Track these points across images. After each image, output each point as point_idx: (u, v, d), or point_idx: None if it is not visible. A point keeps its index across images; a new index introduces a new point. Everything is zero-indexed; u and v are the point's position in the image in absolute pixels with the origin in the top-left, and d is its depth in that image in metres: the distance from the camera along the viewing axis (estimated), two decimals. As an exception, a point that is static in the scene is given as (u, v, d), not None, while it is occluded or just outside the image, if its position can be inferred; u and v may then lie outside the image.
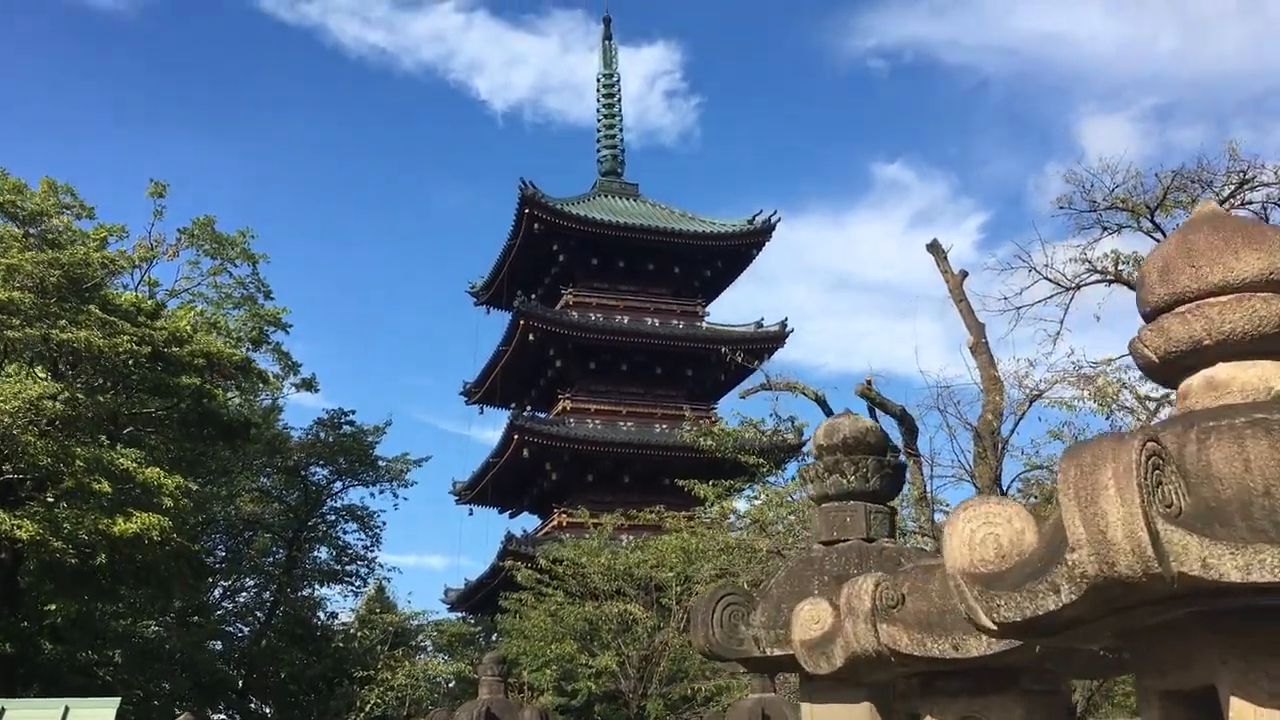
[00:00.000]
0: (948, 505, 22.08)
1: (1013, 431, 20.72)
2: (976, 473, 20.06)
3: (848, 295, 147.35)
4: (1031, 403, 19.72)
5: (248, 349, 26.38)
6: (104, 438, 19.89)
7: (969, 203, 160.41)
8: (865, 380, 21.70)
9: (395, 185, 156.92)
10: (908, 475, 22.06)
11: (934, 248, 22.25)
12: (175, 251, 32.64)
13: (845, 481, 5.77)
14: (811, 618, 4.13)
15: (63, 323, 18.44)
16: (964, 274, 22.11)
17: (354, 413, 40.90)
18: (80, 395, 18.60)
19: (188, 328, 22.06)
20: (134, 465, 18.46)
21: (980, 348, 21.24)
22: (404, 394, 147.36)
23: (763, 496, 24.25)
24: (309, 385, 39.34)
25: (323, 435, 40.30)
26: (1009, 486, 21.46)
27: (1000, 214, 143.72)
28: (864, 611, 3.60)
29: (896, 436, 22.56)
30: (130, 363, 19.55)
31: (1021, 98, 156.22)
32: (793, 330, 52.12)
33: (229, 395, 30.22)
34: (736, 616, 5.48)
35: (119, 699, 13.95)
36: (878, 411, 19.73)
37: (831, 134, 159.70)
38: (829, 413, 24.85)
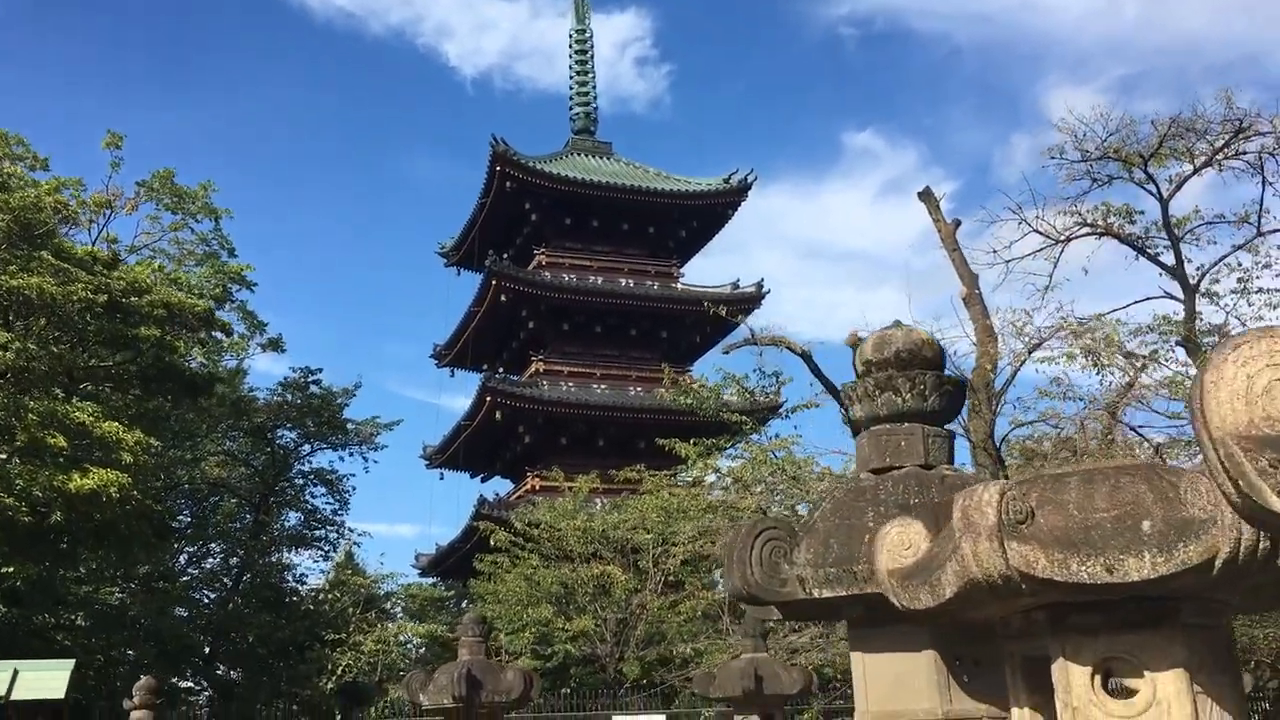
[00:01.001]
0: (940, 461, 21.46)
1: (1008, 384, 20.15)
2: (971, 426, 19.44)
3: (820, 264, 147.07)
4: (1031, 352, 19.13)
5: (212, 306, 25.26)
6: (59, 391, 18.85)
7: (939, 171, 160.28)
8: (852, 332, 21.06)
9: (362, 153, 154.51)
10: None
11: (926, 195, 21.57)
12: (134, 205, 31.40)
13: (899, 400, 5.02)
14: (901, 542, 3.39)
15: (13, 268, 17.37)
16: (957, 223, 21.43)
17: (321, 371, 39.78)
18: (33, 346, 17.56)
19: (148, 279, 21.00)
20: (91, 419, 17.45)
21: (973, 298, 20.57)
22: (373, 363, 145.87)
23: (749, 452, 23.58)
24: (275, 345, 38.21)
25: (290, 396, 39.22)
26: (1001, 443, 20.92)
27: (970, 183, 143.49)
28: (987, 528, 2.85)
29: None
30: (86, 313, 18.51)
31: (994, 67, 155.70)
32: (769, 291, 51.49)
33: (191, 351, 29.17)
34: (778, 554, 4.74)
35: (73, 661, 13.06)
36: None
37: (802, 103, 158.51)
38: (815, 369, 24.16)
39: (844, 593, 4.55)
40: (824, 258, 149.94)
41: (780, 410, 27.35)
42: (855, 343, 20.36)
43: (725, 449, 25.36)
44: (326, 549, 40.87)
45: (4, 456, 17.32)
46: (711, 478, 27.83)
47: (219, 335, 32.27)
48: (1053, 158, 25.12)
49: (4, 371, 17.42)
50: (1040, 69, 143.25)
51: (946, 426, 5.18)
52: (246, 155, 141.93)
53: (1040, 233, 24.28)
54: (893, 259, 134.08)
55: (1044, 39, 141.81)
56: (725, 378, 23.93)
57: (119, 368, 20.40)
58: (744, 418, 23.48)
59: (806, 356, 23.71)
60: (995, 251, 23.64)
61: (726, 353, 24.25)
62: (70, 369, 19.69)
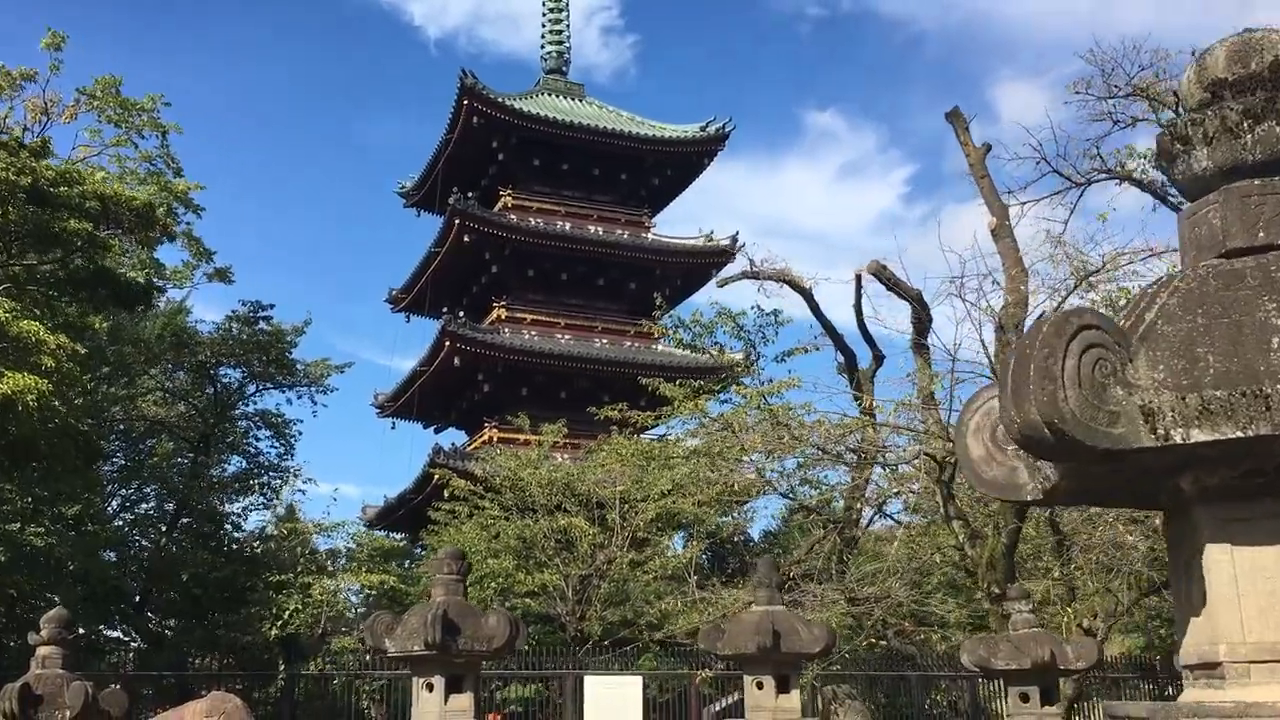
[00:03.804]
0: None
1: (1042, 323, 18.47)
2: (999, 367, 17.79)
3: (775, 242, 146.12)
4: (1077, 286, 17.37)
5: (152, 200, 22.50)
6: (-32, 288, 16.42)
7: (897, 154, 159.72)
8: (873, 261, 19.21)
9: (318, 110, 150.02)
10: (914, 370, 19.64)
11: (954, 115, 19.66)
12: (73, 113, 28.58)
13: (1285, 136, 3.07)
14: None
15: (-84, 139, 14.92)
16: (987, 147, 19.57)
17: (272, 307, 37.11)
18: (-62, 232, 15.16)
19: (80, 172, 18.50)
20: (6, 315, 15.08)
21: (1003, 230, 18.76)
22: (324, 322, 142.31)
23: (741, 396, 21.68)
24: (223, 275, 35.60)
25: (235, 330, 36.58)
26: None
27: (927, 168, 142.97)
28: None
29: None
30: (5, 202, 16.06)
31: (957, 53, 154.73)
32: (744, 245, 49.31)
33: (128, 272, 26.60)
34: (1104, 370, 2.79)
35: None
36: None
37: (767, 79, 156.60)
38: (815, 308, 22.30)
39: (1237, 432, 2.61)
40: (780, 236, 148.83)
41: (751, 367, 25.38)
42: (877, 270, 18.39)
43: (718, 391, 23.45)
44: (269, 495, 38.46)
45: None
46: (688, 425, 25.95)
47: (160, 257, 29.71)
48: (1077, 93, 23.29)
49: (-97, 258, 15.00)
50: (1000, 59, 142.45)
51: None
52: (192, 107, 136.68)
53: (1059, 173, 22.49)
54: (850, 242, 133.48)
55: (1006, 30, 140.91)
56: (719, 314, 22.06)
57: (45, 269, 17.93)
58: (736, 356, 21.62)
59: (808, 294, 21.85)
60: (1011, 192, 21.87)
61: (722, 285, 22.35)
62: (-13, 269, 17.25)
